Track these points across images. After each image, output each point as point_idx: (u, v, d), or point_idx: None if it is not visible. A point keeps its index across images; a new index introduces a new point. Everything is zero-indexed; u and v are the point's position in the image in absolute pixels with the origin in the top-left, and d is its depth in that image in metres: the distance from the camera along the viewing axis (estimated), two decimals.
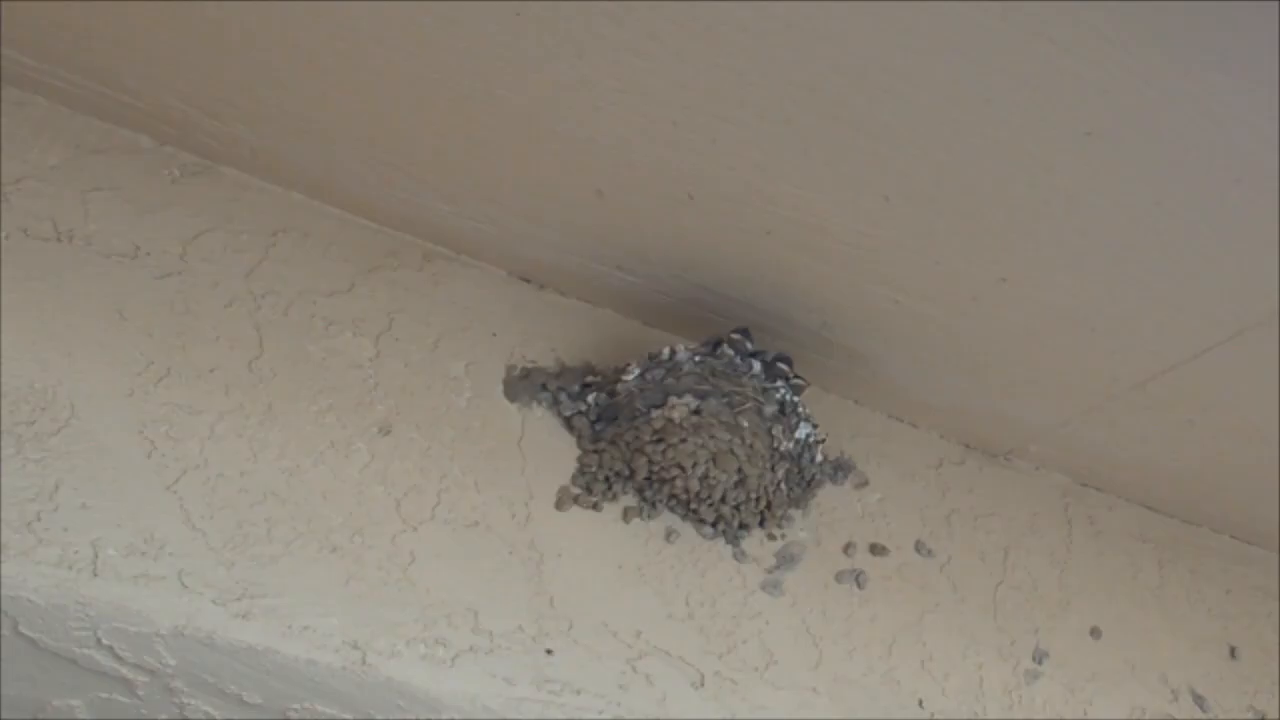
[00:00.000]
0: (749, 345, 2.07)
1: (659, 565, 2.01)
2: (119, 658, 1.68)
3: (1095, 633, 2.28)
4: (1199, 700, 2.30)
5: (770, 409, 2.05)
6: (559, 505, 1.99)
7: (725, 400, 2.02)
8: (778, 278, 2.04)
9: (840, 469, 2.23)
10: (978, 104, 1.64)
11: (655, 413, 2.01)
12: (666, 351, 2.07)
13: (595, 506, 2.01)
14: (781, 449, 2.06)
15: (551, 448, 2.04)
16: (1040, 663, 2.20)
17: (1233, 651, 2.39)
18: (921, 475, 2.31)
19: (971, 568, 2.25)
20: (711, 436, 2.01)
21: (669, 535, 2.03)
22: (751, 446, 2.02)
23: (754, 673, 1.97)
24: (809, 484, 2.15)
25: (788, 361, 2.09)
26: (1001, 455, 2.39)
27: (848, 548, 2.17)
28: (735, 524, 2.07)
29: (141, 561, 1.68)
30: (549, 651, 1.84)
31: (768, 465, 2.05)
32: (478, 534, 1.90)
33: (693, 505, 2.04)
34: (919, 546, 2.23)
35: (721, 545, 2.06)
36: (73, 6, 1.78)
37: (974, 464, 2.37)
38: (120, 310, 1.85)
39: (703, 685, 1.92)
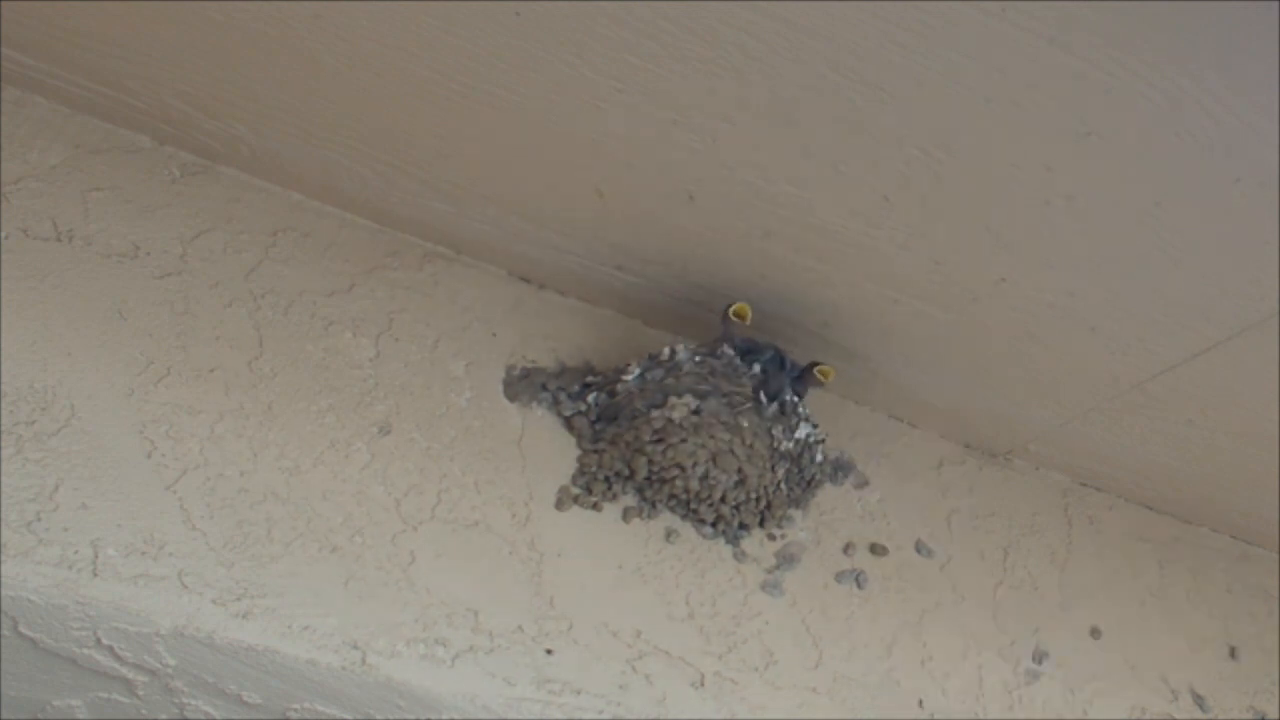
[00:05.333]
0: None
1: (659, 565, 2.01)
2: (119, 658, 1.68)
3: (1095, 633, 2.28)
4: (1199, 700, 2.30)
5: (770, 409, 2.05)
6: (559, 505, 1.99)
7: (725, 400, 2.02)
8: (778, 278, 2.04)
9: (840, 469, 2.23)
10: (978, 104, 1.64)
11: (655, 413, 2.01)
12: (666, 351, 2.07)
13: (595, 506, 2.01)
14: (781, 449, 2.06)
15: (551, 448, 2.04)
16: (1040, 663, 2.20)
17: (1233, 651, 2.39)
18: (921, 475, 2.31)
19: (971, 568, 2.25)
20: (711, 436, 2.01)
21: (669, 535, 2.03)
22: (751, 446, 2.02)
23: (754, 673, 1.97)
24: (809, 484, 2.15)
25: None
26: (1001, 455, 2.39)
27: (848, 548, 2.17)
28: (735, 524, 2.07)
29: (141, 561, 1.68)
30: (549, 651, 1.84)
31: (768, 465, 2.05)
32: (478, 534, 1.90)
33: (693, 505, 2.04)
34: (919, 546, 2.23)
35: (721, 545, 2.06)
36: (73, 6, 1.78)
37: (974, 464, 2.37)
38: (120, 310, 1.86)
39: (703, 685, 1.92)
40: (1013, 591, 2.26)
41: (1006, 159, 1.73)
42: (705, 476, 2.02)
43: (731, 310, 2.05)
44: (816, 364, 2.10)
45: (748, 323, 2.05)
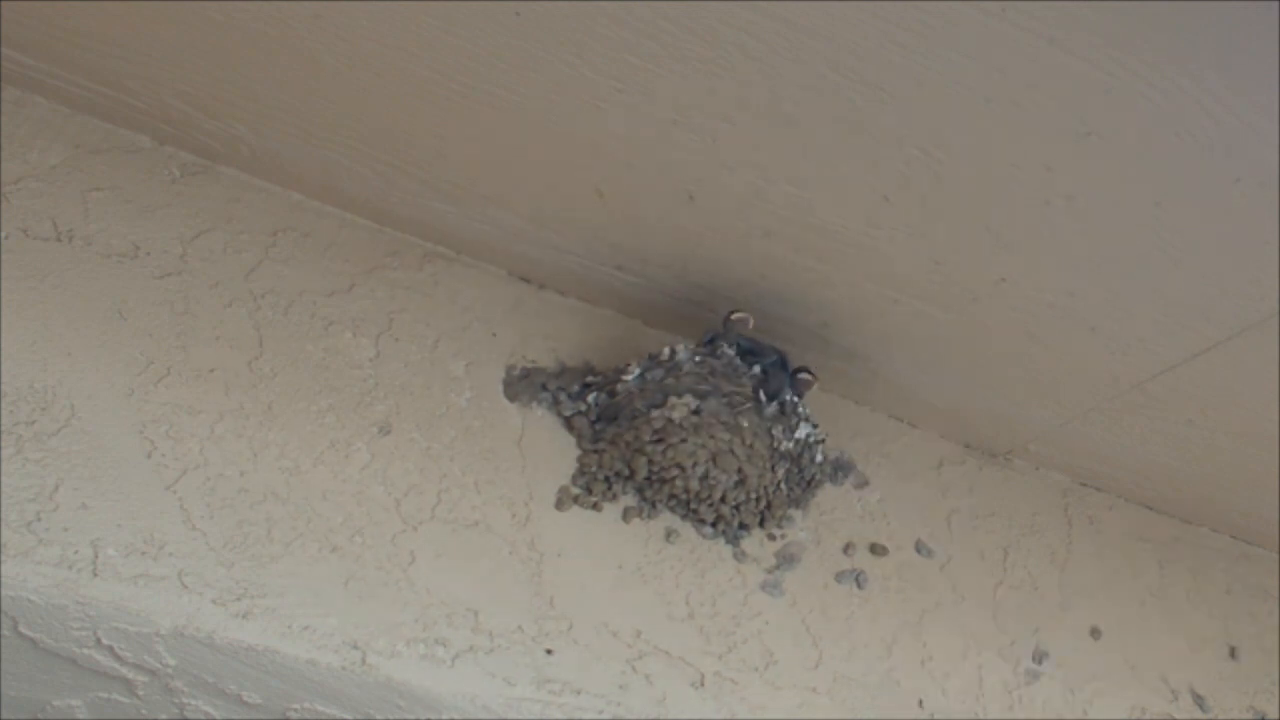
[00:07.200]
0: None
1: (659, 565, 2.01)
2: (119, 658, 1.68)
3: (1095, 633, 2.28)
4: (1199, 700, 2.30)
5: (770, 409, 2.05)
6: (559, 505, 1.99)
7: (725, 400, 2.02)
8: (778, 278, 2.04)
9: (840, 469, 2.23)
10: (978, 104, 1.64)
11: (655, 413, 2.01)
12: (666, 351, 2.07)
13: (595, 506, 2.01)
14: (781, 449, 2.06)
15: (551, 448, 2.04)
16: (1040, 663, 2.20)
17: (1233, 651, 2.39)
18: (921, 475, 2.31)
19: (971, 568, 2.25)
20: (711, 436, 2.01)
21: (669, 535, 2.03)
22: (751, 446, 2.02)
23: (754, 673, 1.97)
24: (809, 484, 2.15)
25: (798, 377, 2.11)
26: (1001, 455, 2.39)
27: (848, 548, 2.17)
28: (735, 524, 2.07)
29: (141, 561, 1.68)
30: (549, 651, 1.84)
31: (768, 465, 2.05)
32: (478, 534, 1.90)
33: (693, 505, 2.04)
34: (919, 546, 2.23)
35: (721, 545, 2.06)
36: (73, 6, 1.78)
37: (974, 464, 2.37)
38: (120, 310, 1.86)
39: (703, 685, 1.92)
40: (1013, 591, 2.26)
41: (1006, 159, 1.73)
42: (705, 476, 2.02)
43: (733, 315, 2.06)
44: (802, 368, 2.10)
45: (750, 327, 2.06)
